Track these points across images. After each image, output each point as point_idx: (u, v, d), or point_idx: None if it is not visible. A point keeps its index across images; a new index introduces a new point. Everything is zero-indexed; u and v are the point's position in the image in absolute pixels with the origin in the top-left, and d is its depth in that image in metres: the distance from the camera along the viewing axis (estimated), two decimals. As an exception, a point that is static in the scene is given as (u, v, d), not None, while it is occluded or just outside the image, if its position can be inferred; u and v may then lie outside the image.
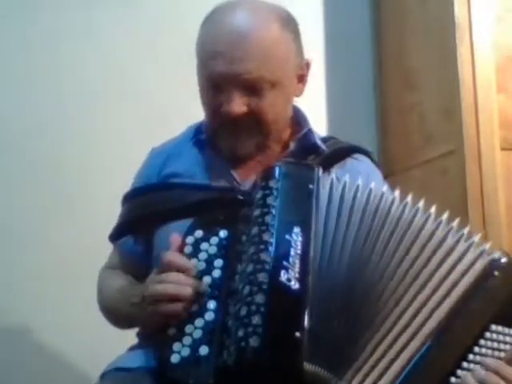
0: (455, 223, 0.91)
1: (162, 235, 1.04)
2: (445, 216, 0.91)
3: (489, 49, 1.51)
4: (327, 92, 1.92)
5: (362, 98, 1.94)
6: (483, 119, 1.48)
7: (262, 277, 0.80)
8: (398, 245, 0.87)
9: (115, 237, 1.16)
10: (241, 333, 0.77)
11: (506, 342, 0.83)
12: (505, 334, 0.83)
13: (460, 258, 0.88)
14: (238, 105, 1.02)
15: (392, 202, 0.92)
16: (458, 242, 0.89)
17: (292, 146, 1.13)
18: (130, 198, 1.14)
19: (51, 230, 1.66)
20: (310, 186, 0.88)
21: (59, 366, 1.62)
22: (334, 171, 1.05)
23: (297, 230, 0.84)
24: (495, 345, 0.82)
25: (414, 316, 0.83)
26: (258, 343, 0.75)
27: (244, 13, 1.04)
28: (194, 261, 0.90)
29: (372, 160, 1.19)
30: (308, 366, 0.76)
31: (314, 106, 1.90)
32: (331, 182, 0.91)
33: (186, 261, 0.90)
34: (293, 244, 0.82)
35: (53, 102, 1.74)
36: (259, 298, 0.78)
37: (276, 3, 1.07)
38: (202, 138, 1.14)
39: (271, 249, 0.82)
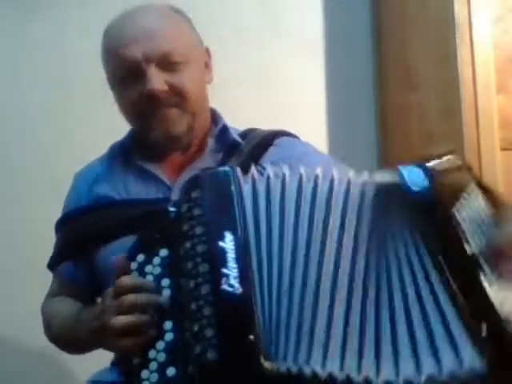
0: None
1: (103, 256, 1.04)
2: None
3: (489, 49, 1.51)
4: (327, 92, 1.92)
5: (362, 97, 1.94)
6: (483, 119, 1.48)
7: (205, 289, 0.80)
8: (324, 221, 0.85)
9: (54, 264, 1.14)
10: (198, 349, 0.78)
11: None
12: None
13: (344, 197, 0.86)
14: (159, 82, 1.05)
15: (316, 183, 0.88)
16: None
17: (211, 142, 1.15)
18: (63, 224, 1.12)
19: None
20: (232, 188, 0.87)
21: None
22: (263, 165, 1.06)
23: (228, 234, 0.83)
24: None
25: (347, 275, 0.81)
26: (216, 355, 0.76)
27: (142, 10, 1.11)
28: (148, 283, 0.90)
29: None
30: (268, 364, 0.76)
31: (314, 106, 1.90)
32: (252, 179, 0.89)
33: (137, 281, 0.89)
34: (227, 250, 0.82)
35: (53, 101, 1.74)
36: (207, 311, 0.79)
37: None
38: (127, 152, 1.16)
39: (207, 259, 0.82)
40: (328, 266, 0.81)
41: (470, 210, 0.83)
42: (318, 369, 0.76)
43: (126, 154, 1.17)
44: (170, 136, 1.09)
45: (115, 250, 0.95)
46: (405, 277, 0.80)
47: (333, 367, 0.76)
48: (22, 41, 1.75)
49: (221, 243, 0.82)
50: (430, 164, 0.88)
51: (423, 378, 0.73)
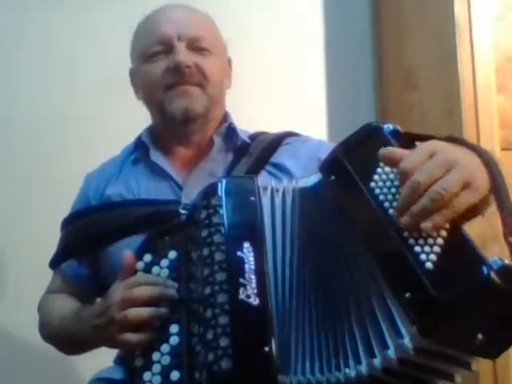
0: None
1: (110, 255, 1.04)
2: None
3: (489, 49, 1.51)
4: (327, 92, 1.92)
5: (362, 98, 1.94)
6: (483, 119, 1.48)
7: (222, 298, 0.80)
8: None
9: (58, 262, 1.14)
10: (211, 357, 0.78)
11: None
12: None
13: None
14: (187, 57, 1.11)
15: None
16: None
17: (217, 140, 1.16)
18: (71, 222, 1.13)
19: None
20: (252, 199, 0.87)
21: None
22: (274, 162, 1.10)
23: (247, 245, 0.83)
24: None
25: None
26: (230, 365, 0.76)
27: (177, 5, 1.20)
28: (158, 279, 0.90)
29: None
30: (282, 378, 0.77)
31: (314, 106, 1.90)
32: (271, 190, 0.91)
33: (146, 276, 0.90)
34: (246, 260, 0.82)
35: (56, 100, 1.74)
36: (223, 320, 0.79)
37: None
38: (140, 153, 1.17)
39: (225, 268, 0.82)
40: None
41: (386, 176, 0.80)
42: (320, 377, 0.77)
43: (141, 150, 1.17)
44: (187, 112, 1.12)
45: (124, 249, 0.95)
46: (350, 271, 0.80)
47: (326, 372, 0.77)
48: (21, 40, 1.75)
49: (239, 253, 0.82)
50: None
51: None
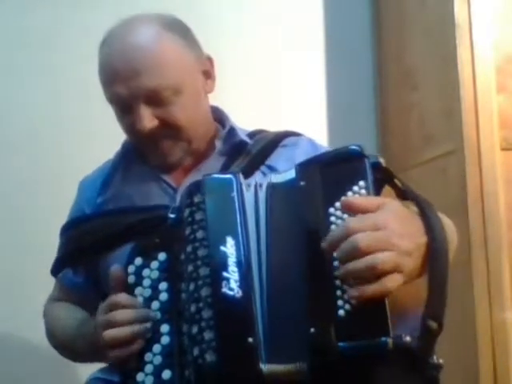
0: None
1: (107, 264, 1.04)
2: None
3: (489, 49, 1.51)
4: (327, 92, 1.92)
5: (362, 97, 1.94)
6: (483, 119, 1.48)
7: (205, 292, 0.82)
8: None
9: (56, 270, 1.14)
10: (196, 351, 0.79)
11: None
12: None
13: None
14: (148, 120, 1.04)
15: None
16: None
17: (218, 144, 1.15)
18: (66, 230, 1.12)
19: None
20: (232, 194, 0.88)
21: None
22: (270, 165, 1.09)
23: (229, 239, 0.84)
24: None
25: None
26: (215, 357, 0.77)
27: (129, 30, 1.07)
28: (139, 289, 0.91)
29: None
30: (267, 367, 0.78)
31: (314, 106, 1.90)
32: (255, 185, 0.92)
33: (129, 298, 0.90)
34: (228, 254, 0.83)
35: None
36: (206, 314, 0.80)
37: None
38: (131, 155, 1.16)
39: (208, 263, 0.83)
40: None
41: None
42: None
43: (130, 158, 1.17)
44: (166, 164, 1.11)
45: (119, 258, 0.96)
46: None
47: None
48: (21, 39, 1.75)
49: (222, 247, 0.84)
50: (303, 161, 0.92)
51: None
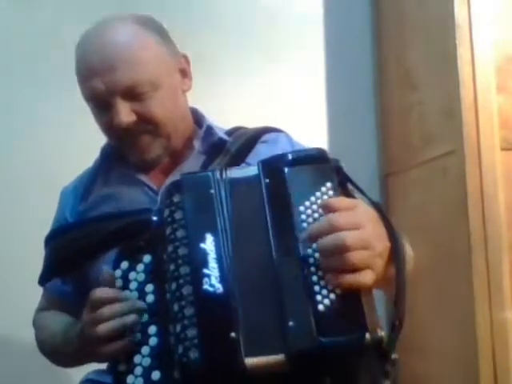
0: None
1: (95, 271, 1.04)
2: None
3: (489, 49, 1.51)
4: (327, 92, 1.92)
5: (362, 98, 1.94)
6: (483, 119, 1.48)
7: (186, 290, 0.82)
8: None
9: (43, 280, 1.14)
10: (180, 349, 0.80)
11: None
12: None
13: None
14: (126, 115, 1.05)
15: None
16: None
17: (197, 144, 1.15)
18: (51, 240, 1.12)
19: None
20: (211, 191, 0.89)
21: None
22: (249, 163, 1.08)
23: (208, 235, 0.85)
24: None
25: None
26: (198, 355, 0.78)
27: (105, 28, 1.08)
28: (126, 293, 0.91)
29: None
30: (251, 360, 0.78)
31: (314, 106, 1.90)
32: (230, 182, 0.91)
33: (114, 291, 0.91)
34: (208, 251, 0.84)
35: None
36: (188, 312, 0.81)
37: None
38: (110, 159, 1.16)
39: (188, 261, 0.84)
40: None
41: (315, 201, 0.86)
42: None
43: (109, 162, 1.17)
44: (145, 161, 1.11)
45: (108, 264, 0.96)
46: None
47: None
48: (21, 38, 1.76)
49: (202, 245, 0.84)
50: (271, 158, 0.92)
51: None
